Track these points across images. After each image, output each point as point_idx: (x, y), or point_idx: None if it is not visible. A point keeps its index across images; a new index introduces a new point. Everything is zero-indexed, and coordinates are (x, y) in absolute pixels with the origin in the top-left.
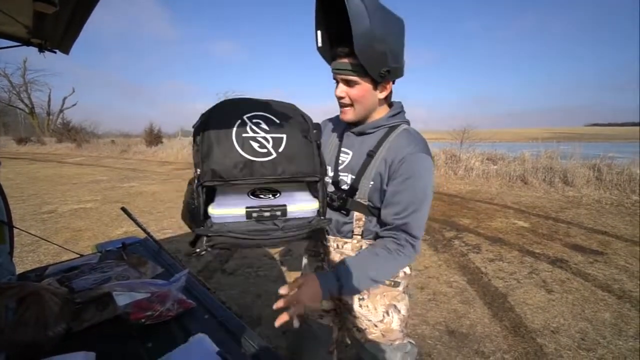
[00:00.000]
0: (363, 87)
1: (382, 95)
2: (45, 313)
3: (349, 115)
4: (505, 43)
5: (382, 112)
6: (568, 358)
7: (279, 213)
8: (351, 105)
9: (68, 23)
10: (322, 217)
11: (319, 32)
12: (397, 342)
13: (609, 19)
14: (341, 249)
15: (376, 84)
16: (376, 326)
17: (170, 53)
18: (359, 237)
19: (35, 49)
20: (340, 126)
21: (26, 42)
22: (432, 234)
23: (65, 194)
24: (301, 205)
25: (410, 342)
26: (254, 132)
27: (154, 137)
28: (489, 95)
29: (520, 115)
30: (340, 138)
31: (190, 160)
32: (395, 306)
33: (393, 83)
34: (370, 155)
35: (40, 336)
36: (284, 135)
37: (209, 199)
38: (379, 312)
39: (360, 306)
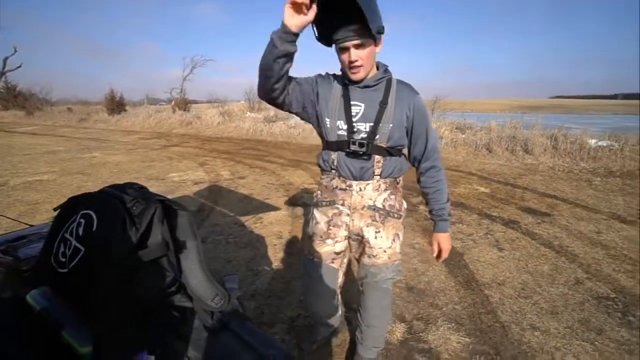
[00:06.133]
0: (370, 47)
1: (379, 49)
2: None
3: (362, 73)
4: (484, 15)
5: (374, 67)
6: (509, 305)
7: None
8: (362, 65)
9: None
10: None
11: (313, 25)
12: (397, 262)
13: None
14: (363, 190)
15: (375, 42)
16: (385, 252)
17: (144, 14)
18: (378, 177)
19: None
20: (338, 82)
21: None
22: None
23: (17, 166)
24: None
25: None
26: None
27: (116, 105)
28: (463, 65)
29: (492, 86)
30: (344, 92)
31: (158, 130)
32: (398, 234)
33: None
34: (383, 104)
35: None
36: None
37: None
38: (389, 240)
39: (376, 237)
